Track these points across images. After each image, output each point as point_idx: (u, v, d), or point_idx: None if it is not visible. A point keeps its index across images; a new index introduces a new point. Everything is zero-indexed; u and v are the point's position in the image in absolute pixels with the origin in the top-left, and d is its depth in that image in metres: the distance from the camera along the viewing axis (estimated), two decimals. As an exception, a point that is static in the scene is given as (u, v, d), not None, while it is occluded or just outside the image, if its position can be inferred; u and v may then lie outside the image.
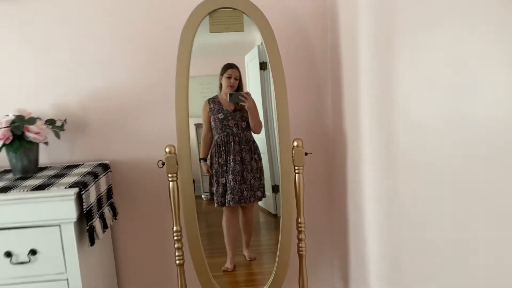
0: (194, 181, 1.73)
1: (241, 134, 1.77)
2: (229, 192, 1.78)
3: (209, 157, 1.79)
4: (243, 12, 1.65)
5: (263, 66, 1.78)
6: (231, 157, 1.77)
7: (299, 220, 1.74)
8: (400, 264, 1.29)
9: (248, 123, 1.77)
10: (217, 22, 1.67)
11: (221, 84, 1.76)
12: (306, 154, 1.69)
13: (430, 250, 1.08)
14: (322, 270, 2.11)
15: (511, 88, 0.73)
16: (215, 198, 1.80)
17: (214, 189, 1.80)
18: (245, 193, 1.80)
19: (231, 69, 1.75)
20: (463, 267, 0.93)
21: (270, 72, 1.69)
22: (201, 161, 1.80)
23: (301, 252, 1.76)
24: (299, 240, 1.76)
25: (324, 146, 2.00)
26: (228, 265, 1.86)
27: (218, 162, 1.78)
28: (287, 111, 1.69)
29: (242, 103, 1.75)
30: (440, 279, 1.03)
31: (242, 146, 1.77)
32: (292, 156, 1.69)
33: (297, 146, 1.68)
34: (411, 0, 1.09)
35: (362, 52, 1.50)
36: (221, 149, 1.77)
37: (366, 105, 1.50)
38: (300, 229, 1.75)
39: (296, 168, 1.70)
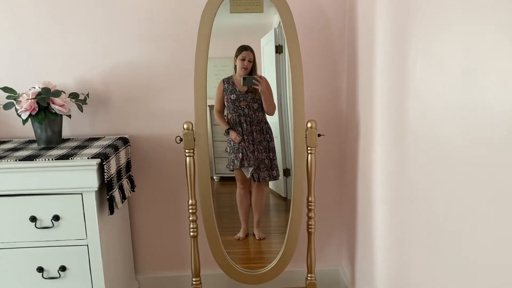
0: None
1: (253, 115, 1.83)
2: (246, 166, 1.85)
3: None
4: (263, -6, 1.69)
5: (279, 49, 1.81)
6: (244, 137, 1.83)
7: (310, 199, 1.80)
8: (407, 246, 1.35)
9: (260, 104, 1.82)
10: (238, 3, 1.70)
11: (235, 66, 1.81)
12: (319, 135, 1.74)
13: (439, 233, 1.12)
14: (330, 249, 2.18)
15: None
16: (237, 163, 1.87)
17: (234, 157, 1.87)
18: (257, 171, 1.86)
19: (245, 51, 1.80)
20: (469, 247, 0.97)
21: (286, 55, 1.73)
22: (227, 131, 1.86)
23: (310, 230, 1.83)
24: (309, 218, 1.82)
25: (337, 128, 2.04)
26: (240, 234, 1.96)
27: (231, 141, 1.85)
28: (302, 93, 1.73)
29: (255, 87, 1.79)
30: (447, 261, 1.08)
31: (254, 127, 1.83)
32: (306, 137, 1.74)
33: (311, 127, 1.73)
34: (428, -13, 1.12)
35: (378, 36, 1.53)
36: (236, 128, 1.83)
37: (379, 89, 1.53)
38: (310, 207, 1.81)
39: (309, 148, 1.75)
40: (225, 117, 1.86)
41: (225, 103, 1.84)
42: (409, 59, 1.25)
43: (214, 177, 1.93)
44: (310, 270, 1.87)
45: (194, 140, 1.71)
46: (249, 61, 1.80)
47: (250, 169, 1.87)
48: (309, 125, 1.73)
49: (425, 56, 1.15)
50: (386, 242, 1.53)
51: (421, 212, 1.22)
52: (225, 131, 1.85)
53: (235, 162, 1.86)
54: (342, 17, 1.94)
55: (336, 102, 2.03)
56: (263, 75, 1.82)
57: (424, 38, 1.16)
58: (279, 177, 1.92)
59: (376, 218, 1.63)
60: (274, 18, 1.77)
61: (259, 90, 1.79)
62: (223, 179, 1.96)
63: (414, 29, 1.21)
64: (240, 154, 1.84)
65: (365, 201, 1.77)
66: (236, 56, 1.80)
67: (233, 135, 1.83)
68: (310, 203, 1.80)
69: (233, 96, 1.82)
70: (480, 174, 0.90)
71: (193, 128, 1.71)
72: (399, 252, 1.41)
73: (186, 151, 1.71)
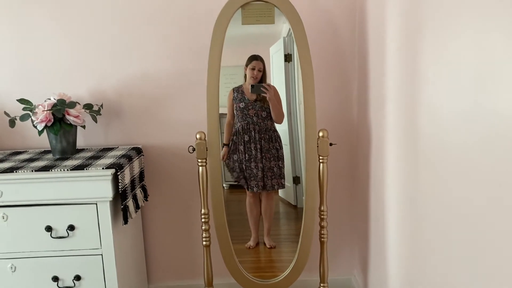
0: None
1: (261, 123, 1.84)
2: (252, 178, 1.86)
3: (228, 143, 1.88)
4: (275, 5, 1.71)
5: (287, 58, 1.83)
6: (252, 145, 1.84)
7: (322, 208, 1.80)
8: (421, 255, 1.34)
9: (268, 113, 1.84)
10: (249, 14, 1.72)
11: (245, 75, 1.83)
12: (331, 144, 1.75)
13: (454, 241, 1.12)
14: (342, 258, 2.17)
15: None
16: (238, 177, 1.89)
17: (237, 169, 1.88)
18: (265, 180, 1.87)
19: (255, 61, 1.82)
20: (486, 256, 0.97)
21: (295, 64, 1.74)
22: (224, 146, 1.88)
23: (322, 239, 1.83)
24: (321, 227, 1.82)
25: (348, 137, 2.05)
26: (251, 242, 1.96)
27: (239, 150, 1.85)
28: (314, 102, 1.74)
29: (263, 94, 1.81)
30: (463, 269, 1.08)
31: (262, 135, 1.84)
32: (317, 146, 1.74)
33: (323, 136, 1.73)
34: (440, -3, 1.13)
35: (388, 44, 1.54)
36: (243, 136, 1.85)
37: (391, 97, 1.54)
38: (322, 216, 1.81)
39: (320, 157, 1.75)
40: (234, 126, 1.87)
41: (234, 112, 1.86)
42: (421, 66, 1.26)
43: (224, 185, 1.94)
44: (323, 279, 1.87)
45: (207, 150, 1.73)
46: (259, 71, 1.82)
47: (255, 186, 1.88)
48: (320, 134, 1.74)
49: (437, 63, 1.16)
50: (399, 250, 1.53)
51: (435, 220, 1.22)
52: (222, 145, 1.86)
53: (239, 178, 1.87)
54: (352, 26, 1.95)
55: (346, 110, 2.03)
56: (272, 83, 1.84)
57: (435, 46, 1.16)
58: (288, 185, 1.92)
59: (389, 226, 1.63)
60: (283, 27, 1.78)
61: (267, 98, 1.81)
62: (232, 187, 1.97)
63: (426, 36, 1.22)
64: (242, 174, 1.87)
65: (377, 209, 1.77)
66: (246, 65, 1.82)
67: (222, 152, 1.85)
68: (322, 212, 1.80)
69: (242, 105, 1.84)
70: (494, 180, 0.90)
71: (206, 138, 1.73)
72: (413, 261, 1.40)
73: (199, 160, 1.73)
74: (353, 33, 1.96)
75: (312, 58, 1.75)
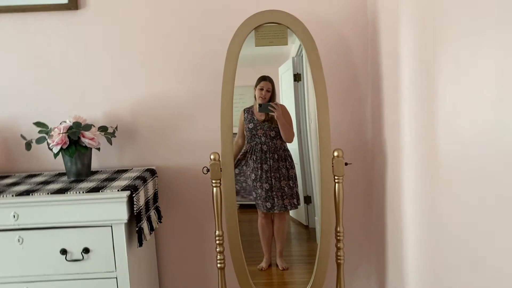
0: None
1: (270, 143, 1.84)
2: (262, 198, 1.85)
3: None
4: (287, 27, 1.72)
5: (297, 77, 1.84)
6: (259, 165, 1.84)
7: (338, 229, 1.78)
8: (439, 277, 1.31)
9: (277, 132, 1.84)
10: (263, 36, 1.74)
11: (255, 95, 1.84)
12: (346, 164, 1.73)
13: (471, 265, 1.09)
14: (359, 281, 2.13)
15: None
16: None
17: (243, 190, 1.87)
18: (275, 200, 1.85)
19: (263, 81, 1.83)
20: (500, 276, 0.94)
21: (305, 83, 1.74)
22: None
23: (339, 261, 1.80)
24: (338, 248, 1.79)
25: (363, 156, 2.03)
26: (263, 264, 1.93)
27: (248, 170, 1.85)
28: (328, 121, 1.74)
29: (271, 113, 1.81)
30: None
31: (270, 155, 1.84)
32: (332, 166, 1.73)
33: (337, 156, 1.72)
34: (454, 13, 1.12)
35: (403, 65, 1.54)
36: (251, 157, 1.84)
37: (407, 117, 1.53)
38: (338, 238, 1.78)
39: (336, 177, 1.74)
40: (244, 147, 1.87)
41: (244, 132, 1.86)
42: (438, 86, 1.25)
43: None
44: (339, 302, 1.83)
45: (221, 170, 1.72)
46: (267, 91, 1.83)
47: (264, 206, 1.86)
48: (335, 154, 1.72)
49: (455, 83, 1.15)
50: (417, 272, 1.49)
51: (454, 241, 1.19)
52: None
53: (259, 203, 1.86)
54: (364, 44, 1.96)
55: (361, 129, 2.02)
56: (281, 103, 1.84)
57: (453, 66, 1.16)
58: (300, 205, 1.90)
59: (407, 247, 1.60)
60: (292, 47, 1.80)
61: (275, 117, 1.81)
62: (242, 207, 1.94)
63: (442, 55, 1.21)
64: (251, 194, 1.85)
65: (394, 232, 1.74)
66: (256, 86, 1.83)
67: None
68: (338, 233, 1.78)
69: (251, 125, 1.85)
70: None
71: (220, 159, 1.72)
72: (432, 282, 1.37)
73: (213, 181, 1.72)
74: (366, 51, 1.97)
75: (326, 77, 1.75)
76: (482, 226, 1.03)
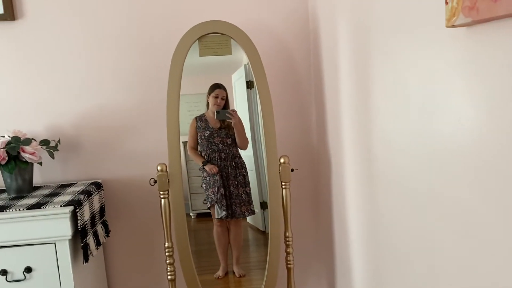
0: (184, 198, 1.79)
1: (227, 151, 1.85)
2: (219, 206, 1.85)
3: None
4: (231, 37, 1.74)
5: (249, 84, 1.86)
6: (218, 173, 1.84)
7: (287, 234, 1.81)
8: (383, 278, 1.37)
9: (233, 139, 1.85)
10: (206, 46, 1.75)
11: (208, 103, 1.85)
12: (292, 170, 1.77)
13: (410, 261, 1.15)
14: (310, 282, 2.17)
15: (470, 108, 0.82)
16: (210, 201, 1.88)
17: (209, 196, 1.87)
18: (233, 207, 1.86)
19: (218, 89, 1.84)
20: (442, 281, 1.00)
21: (257, 91, 1.77)
22: (204, 165, 1.85)
23: (289, 266, 1.83)
24: (287, 253, 1.82)
25: (309, 161, 2.08)
26: (219, 272, 1.92)
27: (206, 178, 1.85)
28: (274, 129, 1.77)
29: (228, 120, 1.83)
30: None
31: (228, 162, 1.85)
32: (279, 172, 1.76)
33: (284, 162, 1.76)
34: (384, 26, 1.19)
35: (341, 72, 1.60)
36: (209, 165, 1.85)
37: (346, 122, 1.59)
38: (288, 243, 1.81)
39: (283, 183, 1.77)
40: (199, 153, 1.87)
41: (199, 140, 1.86)
42: (372, 93, 1.31)
43: (191, 214, 1.92)
44: (291, 306, 1.86)
45: (169, 181, 1.71)
46: (222, 99, 1.84)
47: (223, 211, 1.86)
48: (282, 160, 1.76)
49: (386, 93, 1.21)
50: (363, 273, 1.55)
51: (393, 241, 1.25)
52: (202, 164, 1.84)
53: (213, 198, 1.85)
54: (306, 52, 2.01)
55: (307, 136, 2.07)
56: (235, 109, 1.85)
57: (384, 73, 1.22)
58: (256, 211, 1.92)
59: (352, 249, 1.65)
60: (243, 55, 1.82)
61: (232, 124, 1.82)
62: (200, 215, 1.94)
63: (374, 67, 1.28)
64: (216, 188, 1.84)
65: (341, 232, 1.79)
66: (209, 93, 1.84)
67: (208, 167, 1.83)
68: (287, 238, 1.81)
69: (206, 133, 1.85)
70: (440, 205, 0.94)
71: (167, 169, 1.71)
72: (376, 283, 1.42)
73: (161, 192, 1.71)
74: (308, 59, 2.02)
75: (270, 85, 1.79)
76: (413, 220, 1.09)
